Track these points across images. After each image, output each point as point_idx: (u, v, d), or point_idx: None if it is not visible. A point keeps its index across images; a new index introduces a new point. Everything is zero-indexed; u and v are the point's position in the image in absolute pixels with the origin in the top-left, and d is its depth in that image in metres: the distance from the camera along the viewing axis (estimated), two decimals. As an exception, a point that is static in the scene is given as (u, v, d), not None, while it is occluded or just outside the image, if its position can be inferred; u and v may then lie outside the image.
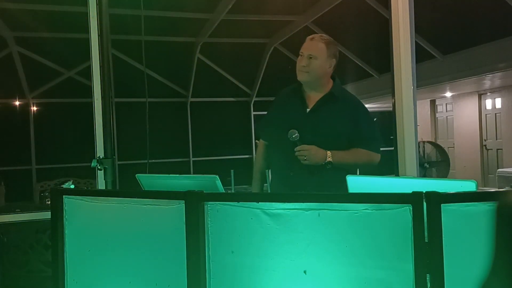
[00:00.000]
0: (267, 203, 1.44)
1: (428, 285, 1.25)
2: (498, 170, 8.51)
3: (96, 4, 2.78)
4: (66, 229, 1.85)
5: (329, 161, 2.31)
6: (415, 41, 2.87)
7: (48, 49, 8.72)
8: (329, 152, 2.31)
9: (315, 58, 2.39)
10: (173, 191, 1.65)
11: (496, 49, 6.90)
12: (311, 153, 2.30)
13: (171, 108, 11.09)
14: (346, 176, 1.77)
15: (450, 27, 7.47)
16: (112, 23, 2.79)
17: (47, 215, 2.06)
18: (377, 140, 2.51)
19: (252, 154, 10.20)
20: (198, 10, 7.64)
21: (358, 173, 2.38)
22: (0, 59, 8.81)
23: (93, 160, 2.68)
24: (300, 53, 2.44)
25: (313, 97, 2.47)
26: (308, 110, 2.45)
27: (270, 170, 2.43)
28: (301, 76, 2.44)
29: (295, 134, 2.31)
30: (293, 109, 2.49)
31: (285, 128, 2.37)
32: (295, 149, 2.31)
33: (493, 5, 6.57)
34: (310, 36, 2.46)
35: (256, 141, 2.55)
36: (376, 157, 2.45)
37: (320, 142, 2.33)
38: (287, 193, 2.05)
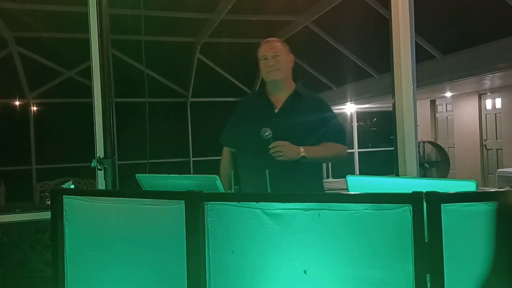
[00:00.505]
0: (267, 203, 1.44)
1: (428, 285, 1.25)
2: (498, 170, 8.51)
3: (96, 4, 2.78)
4: (66, 229, 1.85)
5: (303, 156, 2.38)
6: (415, 41, 2.87)
7: (48, 49, 8.73)
8: (301, 148, 2.39)
9: (280, 55, 2.54)
10: (173, 191, 1.65)
11: (496, 49, 6.90)
12: (285, 148, 2.36)
13: (171, 108, 11.10)
14: (346, 176, 1.77)
15: (450, 27, 7.47)
16: (112, 23, 2.79)
17: (47, 215, 2.05)
18: (344, 134, 2.68)
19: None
20: (198, 10, 7.65)
21: (360, 171, 2.40)
22: (0, 59, 8.81)
23: (93, 160, 2.68)
24: (263, 57, 2.56)
25: (279, 98, 2.57)
26: (276, 110, 2.54)
27: (267, 171, 2.43)
28: (272, 76, 2.54)
29: (267, 132, 2.36)
30: (261, 111, 2.57)
31: (255, 130, 2.44)
32: (269, 146, 2.36)
33: (493, 5, 6.57)
34: (265, 40, 2.61)
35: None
36: (345, 150, 2.61)
37: (292, 139, 2.39)
38: (287, 193, 2.05)
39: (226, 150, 2.73)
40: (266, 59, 2.55)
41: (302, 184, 2.45)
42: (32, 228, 3.25)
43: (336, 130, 2.59)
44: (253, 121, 2.54)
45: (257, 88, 10.67)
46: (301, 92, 2.59)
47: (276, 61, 2.53)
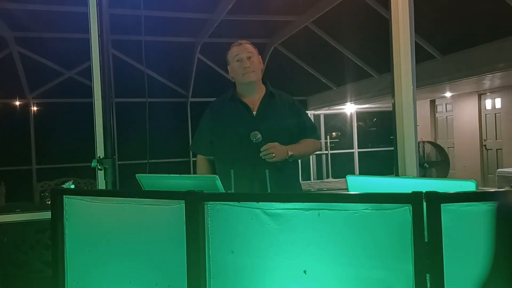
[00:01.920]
0: (267, 203, 1.44)
1: (428, 285, 1.25)
2: (498, 170, 8.51)
3: (96, 4, 2.78)
4: (66, 229, 1.85)
5: (291, 155, 2.43)
6: (415, 41, 2.87)
7: (48, 49, 8.73)
8: (288, 146, 2.44)
9: (253, 56, 2.55)
10: (173, 191, 1.65)
11: (496, 49, 6.90)
12: (277, 149, 2.39)
13: (171, 108, 11.10)
14: (346, 176, 1.77)
15: (450, 27, 7.48)
16: (112, 23, 2.79)
17: (47, 215, 2.06)
18: (316, 129, 2.75)
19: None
20: (198, 10, 7.65)
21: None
22: (0, 59, 8.82)
23: (93, 160, 2.68)
24: (238, 59, 2.54)
25: (253, 100, 2.58)
26: (254, 112, 2.54)
27: (267, 171, 2.43)
28: (248, 77, 2.54)
29: (258, 136, 2.38)
30: (239, 116, 2.56)
31: (237, 135, 2.47)
32: (261, 149, 2.37)
33: (493, 5, 6.57)
34: (236, 43, 2.61)
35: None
36: (320, 144, 2.76)
37: (276, 139, 2.42)
38: (287, 193, 2.06)
39: (202, 158, 2.68)
40: (240, 61, 2.53)
41: (290, 183, 2.52)
42: (32, 228, 3.25)
43: (310, 127, 2.67)
44: (233, 126, 2.54)
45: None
46: (273, 93, 2.61)
47: (251, 63, 2.53)
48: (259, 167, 2.42)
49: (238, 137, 2.48)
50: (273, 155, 2.37)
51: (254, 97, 2.58)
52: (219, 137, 2.59)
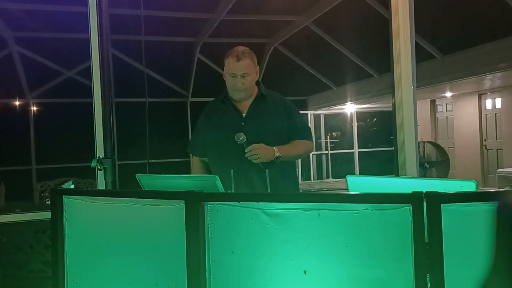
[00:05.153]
0: (267, 203, 1.44)
1: (428, 285, 1.25)
2: (498, 170, 8.51)
3: (96, 4, 2.78)
4: (66, 229, 1.85)
5: (278, 156, 2.42)
6: (415, 41, 2.87)
7: (48, 49, 8.73)
8: (275, 148, 2.43)
9: (248, 75, 2.49)
10: (173, 191, 1.65)
11: (496, 49, 6.90)
12: (262, 150, 2.39)
13: (171, 108, 11.10)
14: (346, 176, 1.77)
15: (450, 27, 7.48)
16: (112, 23, 2.79)
17: (47, 215, 2.06)
18: (309, 130, 2.72)
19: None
20: (198, 10, 7.65)
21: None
22: (0, 59, 8.81)
23: (93, 160, 2.69)
24: (231, 75, 2.49)
25: (244, 103, 2.58)
26: (244, 114, 2.55)
27: (267, 171, 2.43)
28: (238, 95, 2.54)
29: (242, 137, 2.39)
30: (229, 118, 2.57)
31: (226, 137, 2.48)
32: (246, 150, 2.38)
33: (493, 5, 6.57)
34: (234, 53, 2.47)
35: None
36: (312, 145, 2.68)
37: (263, 140, 2.42)
38: (287, 193, 2.06)
39: (196, 160, 2.72)
40: (234, 77, 2.48)
41: (281, 183, 2.50)
42: (32, 228, 3.25)
43: (302, 128, 2.64)
44: (223, 129, 2.54)
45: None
46: (265, 94, 2.60)
47: (243, 82, 2.47)
48: (246, 168, 2.43)
49: (227, 139, 2.48)
50: (257, 156, 2.37)
51: (245, 100, 2.59)
52: (210, 138, 2.61)
